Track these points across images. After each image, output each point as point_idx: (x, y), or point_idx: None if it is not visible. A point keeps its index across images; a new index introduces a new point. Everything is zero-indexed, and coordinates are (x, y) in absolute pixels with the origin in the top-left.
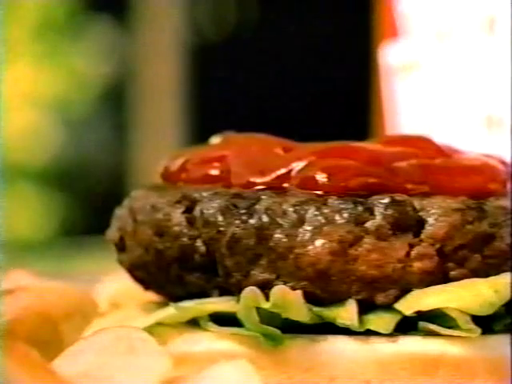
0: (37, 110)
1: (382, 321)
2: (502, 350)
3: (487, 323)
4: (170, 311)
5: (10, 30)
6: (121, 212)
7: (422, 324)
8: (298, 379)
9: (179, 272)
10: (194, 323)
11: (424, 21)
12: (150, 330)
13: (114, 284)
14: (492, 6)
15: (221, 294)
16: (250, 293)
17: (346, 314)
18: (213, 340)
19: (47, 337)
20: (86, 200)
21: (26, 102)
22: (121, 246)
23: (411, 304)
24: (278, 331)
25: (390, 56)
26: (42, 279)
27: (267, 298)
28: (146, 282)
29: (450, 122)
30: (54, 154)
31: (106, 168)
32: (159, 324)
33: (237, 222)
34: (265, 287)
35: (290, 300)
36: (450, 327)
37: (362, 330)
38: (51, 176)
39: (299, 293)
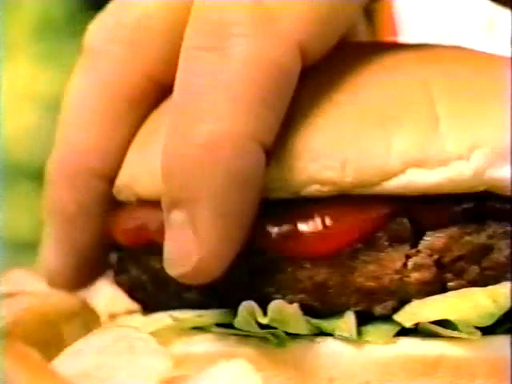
0: (37, 110)
1: (380, 332)
2: (502, 352)
3: (487, 326)
4: (167, 321)
5: (10, 29)
6: None
7: (421, 325)
8: (297, 380)
9: (178, 290)
10: None
11: (424, 21)
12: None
13: (112, 288)
14: (492, 7)
15: (220, 307)
16: (248, 307)
17: (345, 325)
18: (213, 341)
19: (47, 338)
20: None
21: (26, 102)
22: (119, 268)
23: (410, 316)
24: (281, 332)
25: None
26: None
27: (265, 312)
28: (145, 303)
29: None
30: None
31: None
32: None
33: None
34: (263, 300)
35: (287, 314)
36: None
37: (360, 341)
38: None
39: (296, 306)
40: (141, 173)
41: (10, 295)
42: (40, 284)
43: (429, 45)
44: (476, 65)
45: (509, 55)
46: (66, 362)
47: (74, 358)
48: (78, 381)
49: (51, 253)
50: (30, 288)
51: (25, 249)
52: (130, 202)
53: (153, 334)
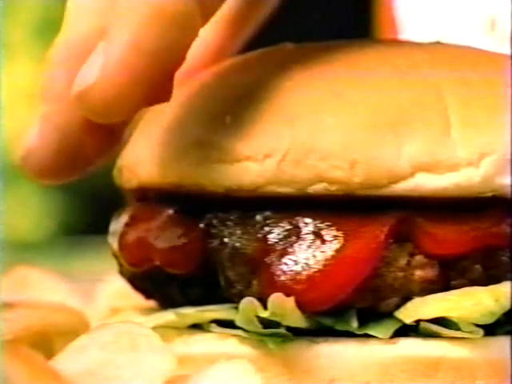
0: (37, 109)
1: (381, 327)
2: (503, 352)
3: (488, 326)
4: (170, 317)
5: (10, 29)
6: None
7: (422, 325)
8: (297, 381)
9: (180, 282)
10: (194, 324)
11: (424, 20)
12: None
13: (114, 285)
14: (492, 6)
15: (222, 302)
16: (248, 303)
17: (346, 320)
18: (213, 341)
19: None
20: (85, 200)
21: (26, 102)
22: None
23: (412, 313)
24: (283, 331)
25: None
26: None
27: (265, 307)
28: (147, 292)
29: None
30: None
31: (106, 168)
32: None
33: (238, 232)
34: (266, 297)
35: (288, 308)
36: (451, 328)
37: (360, 332)
38: None
39: (293, 300)
40: (145, 157)
41: (9, 306)
42: (42, 287)
43: (442, 45)
44: (488, 70)
45: (509, 54)
46: (70, 358)
47: (78, 355)
48: (84, 379)
49: (35, 129)
50: (32, 294)
51: (25, 249)
52: (128, 187)
53: (154, 331)
